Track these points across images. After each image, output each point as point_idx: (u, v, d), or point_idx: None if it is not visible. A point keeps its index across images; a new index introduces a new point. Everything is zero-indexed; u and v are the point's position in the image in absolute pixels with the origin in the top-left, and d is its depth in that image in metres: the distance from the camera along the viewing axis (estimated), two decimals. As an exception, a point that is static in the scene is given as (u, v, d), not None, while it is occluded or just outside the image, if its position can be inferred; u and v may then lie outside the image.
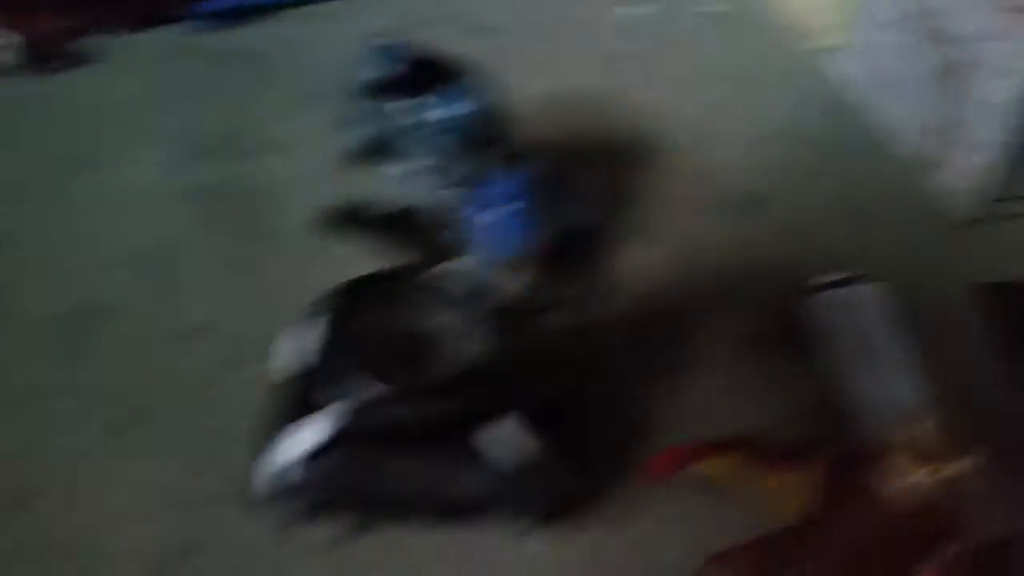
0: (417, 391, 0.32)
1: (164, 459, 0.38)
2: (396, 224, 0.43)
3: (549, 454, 0.34)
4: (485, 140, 0.48)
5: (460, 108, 0.47)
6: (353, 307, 0.35)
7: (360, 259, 0.44)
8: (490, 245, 0.37)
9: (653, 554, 0.36)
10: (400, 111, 0.51)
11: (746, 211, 0.69)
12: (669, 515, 0.38)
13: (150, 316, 0.44)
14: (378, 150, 0.53)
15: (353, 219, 0.38)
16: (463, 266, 0.39)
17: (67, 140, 0.43)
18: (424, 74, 0.58)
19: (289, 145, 0.53)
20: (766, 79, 1.07)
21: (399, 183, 0.49)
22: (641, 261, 0.66)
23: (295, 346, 0.38)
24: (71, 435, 0.36)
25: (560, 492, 0.35)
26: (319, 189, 0.51)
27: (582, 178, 0.42)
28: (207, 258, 0.47)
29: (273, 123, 0.49)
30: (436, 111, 0.47)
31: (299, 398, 0.36)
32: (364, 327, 0.34)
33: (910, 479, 0.46)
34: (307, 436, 0.33)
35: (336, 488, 0.33)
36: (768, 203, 0.75)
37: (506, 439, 0.34)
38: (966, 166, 1.01)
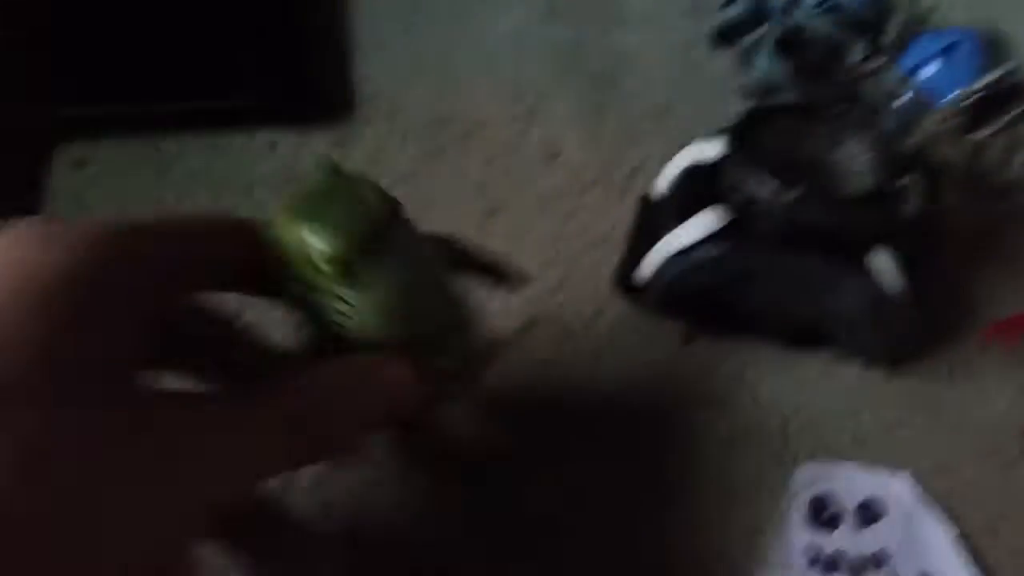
0: (816, 199, 0.31)
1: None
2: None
3: (912, 296, 0.33)
4: (873, 20, 0.45)
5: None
6: (756, 127, 0.35)
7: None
8: (918, 97, 0.35)
9: (983, 410, 0.34)
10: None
11: None
12: (1006, 379, 0.35)
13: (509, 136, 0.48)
14: (745, 31, 0.52)
15: (798, 45, 0.37)
16: (885, 109, 0.37)
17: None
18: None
19: (648, 18, 0.54)
20: None
21: (767, 67, 0.48)
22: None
23: (689, 158, 0.39)
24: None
25: (909, 337, 0.34)
26: (674, 63, 0.52)
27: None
28: (558, 103, 0.50)
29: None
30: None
31: (688, 203, 0.37)
32: (767, 148, 0.34)
33: None
34: (692, 230, 0.34)
35: (704, 284, 0.34)
36: None
37: (884, 270, 0.33)
38: None
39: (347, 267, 0.22)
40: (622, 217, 0.46)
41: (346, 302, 0.23)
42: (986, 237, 0.46)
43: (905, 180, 0.36)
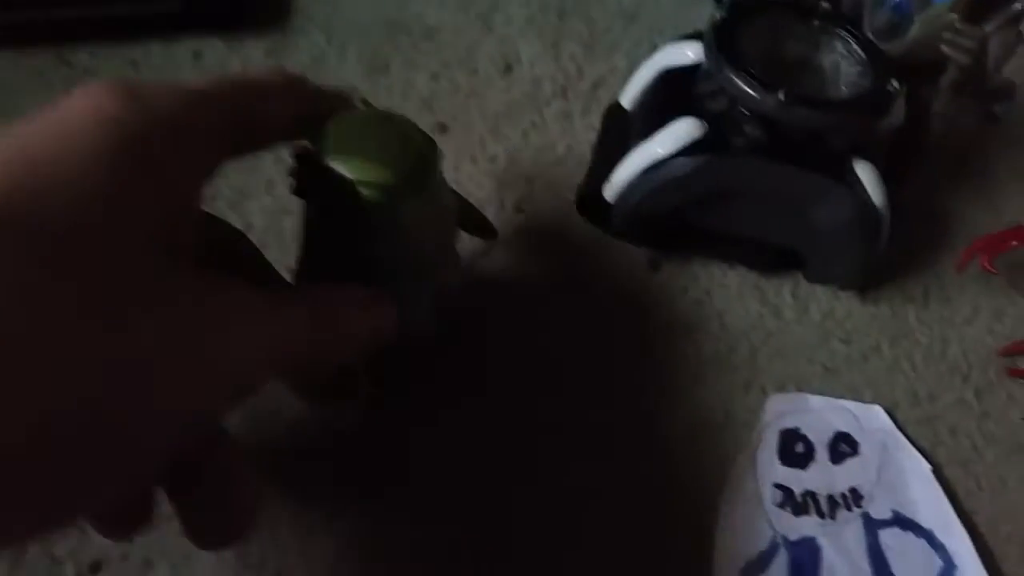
0: (802, 102, 0.28)
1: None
2: None
3: (889, 210, 0.31)
4: None
5: None
6: (737, 28, 0.31)
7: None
8: None
9: (958, 334, 0.33)
10: None
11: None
12: (982, 302, 0.34)
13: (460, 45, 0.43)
14: None
15: None
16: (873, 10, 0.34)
17: None
18: None
19: None
20: None
21: None
22: None
23: (662, 63, 0.36)
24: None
25: (878, 254, 0.32)
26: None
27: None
28: (514, 7, 0.45)
29: None
30: None
31: (661, 112, 0.33)
32: (748, 50, 0.31)
33: None
34: (666, 142, 0.31)
35: (676, 203, 0.32)
36: None
37: (868, 180, 0.31)
38: None
39: (392, 198, 0.23)
40: (585, 133, 0.42)
41: (379, 230, 0.24)
42: (967, 164, 0.44)
43: (894, 84, 0.33)
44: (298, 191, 0.25)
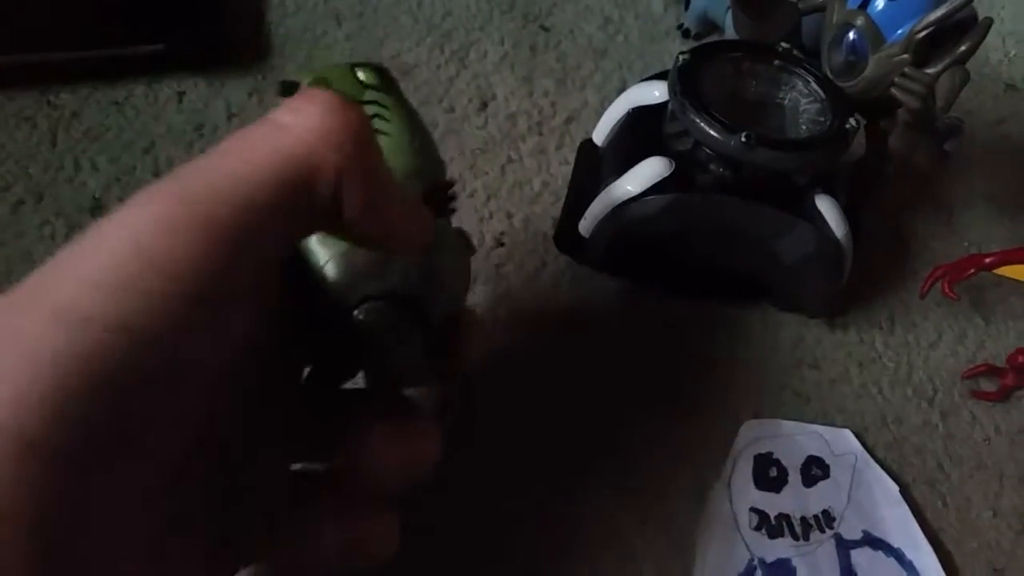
0: (763, 143, 0.29)
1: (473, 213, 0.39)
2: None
3: (851, 241, 0.32)
4: None
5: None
6: (700, 69, 0.32)
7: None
8: (868, 32, 0.33)
9: (922, 359, 0.34)
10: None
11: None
12: (945, 326, 0.35)
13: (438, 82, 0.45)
14: None
15: None
16: (833, 49, 0.35)
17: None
18: None
19: None
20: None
21: None
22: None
23: (630, 102, 0.37)
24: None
25: (842, 284, 0.33)
26: (608, 0, 0.50)
27: None
28: (488, 45, 0.47)
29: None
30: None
31: (631, 150, 0.35)
32: (710, 91, 0.32)
33: None
34: (637, 180, 0.32)
35: (648, 237, 0.33)
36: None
37: (830, 214, 0.32)
38: None
39: (389, 80, 0.25)
40: (559, 168, 0.44)
41: (384, 119, 0.24)
42: (927, 192, 0.46)
43: (852, 122, 0.35)
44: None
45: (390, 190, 0.21)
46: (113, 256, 0.16)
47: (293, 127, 0.18)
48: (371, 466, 0.24)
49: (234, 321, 0.19)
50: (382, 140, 0.25)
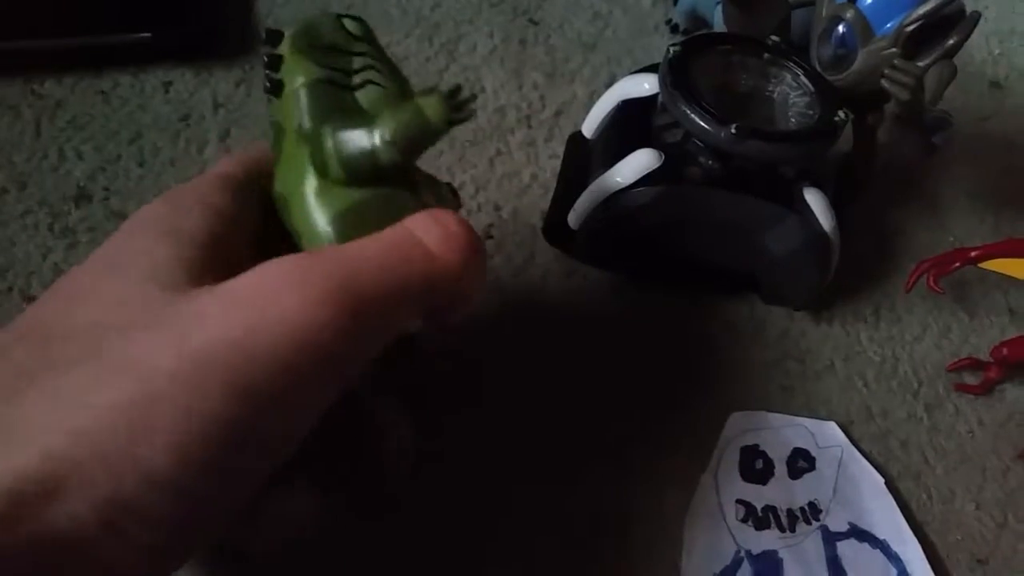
0: (753, 135, 0.30)
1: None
2: None
3: (838, 234, 0.32)
4: None
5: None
6: (690, 62, 0.32)
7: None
8: (857, 25, 0.33)
9: (907, 352, 0.34)
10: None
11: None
12: (930, 319, 0.36)
13: (427, 74, 0.45)
14: None
15: None
16: (822, 41, 0.35)
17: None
18: None
19: None
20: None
21: None
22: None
23: (620, 94, 0.37)
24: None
25: (829, 276, 0.33)
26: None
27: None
28: (478, 37, 0.47)
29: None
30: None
31: (621, 142, 0.35)
32: (700, 83, 0.32)
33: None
34: (626, 172, 0.32)
35: (637, 229, 0.33)
36: None
37: (818, 207, 0.32)
38: None
39: (371, 30, 0.25)
40: (548, 161, 0.43)
41: (377, 70, 0.24)
42: (913, 186, 0.46)
43: (840, 115, 0.35)
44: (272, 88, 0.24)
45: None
46: (280, 336, 0.18)
47: (440, 259, 0.21)
48: None
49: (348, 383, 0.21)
50: (379, 91, 0.24)
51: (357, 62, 0.25)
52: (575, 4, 0.50)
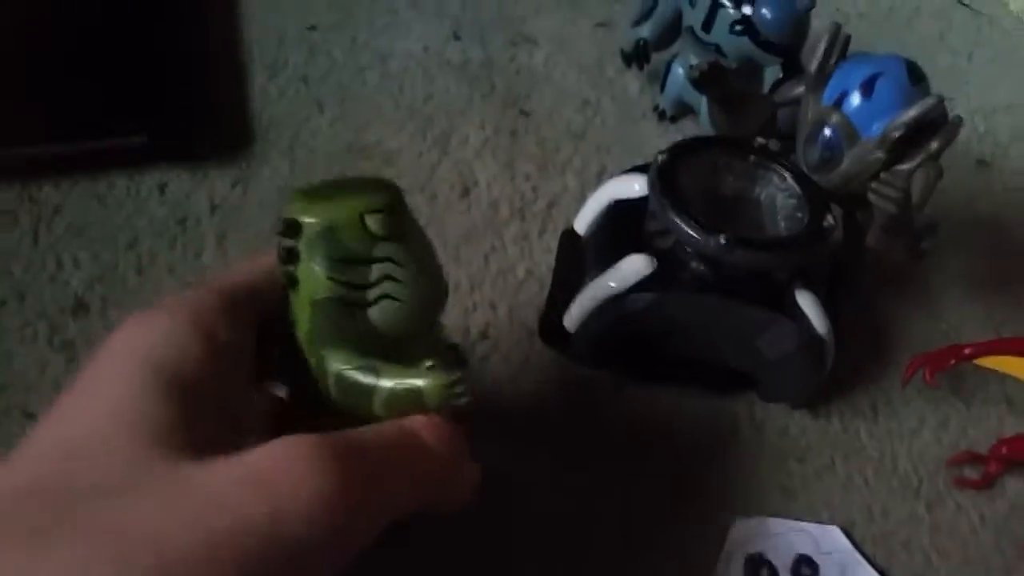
0: (743, 243, 0.30)
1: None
2: (743, 90, 0.40)
3: (833, 335, 0.32)
4: (786, 47, 0.43)
5: (767, 11, 0.43)
6: (678, 167, 0.33)
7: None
8: (843, 129, 0.33)
9: (906, 447, 0.34)
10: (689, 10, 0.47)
11: None
12: (927, 414, 0.36)
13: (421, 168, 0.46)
14: (655, 48, 0.50)
15: (718, 78, 0.35)
16: (810, 144, 0.36)
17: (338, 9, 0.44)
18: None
19: (556, 35, 0.52)
20: None
21: (680, 85, 0.46)
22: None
23: (610, 195, 0.37)
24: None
25: (824, 376, 0.33)
26: (585, 83, 0.51)
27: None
28: (470, 129, 0.48)
29: (535, 18, 0.48)
30: (737, 10, 0.42)
31: (613, 244, 0.35)
32: (689, 189, 0.32)
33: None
34: (620, 278, 0.33)
35: (632, 332, 0.33)
36: None
37: (811, 310, 0.32)
38: None
39: (398, 219, 0.24)
40: (542, 255, 0.44)
41: (396, 263, 0.24)
42: (903, 275, 0.47)
43: (829, 218, 0.35)
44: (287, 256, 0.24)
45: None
46: (303, 522, 0.19)
47: (434, 451, 0.23)
48: None
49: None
50: (394, 306, 0.24)
51: (375, 272, 0.24)
52: (563, 93, 0.51)
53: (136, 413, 0.21)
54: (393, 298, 0.24)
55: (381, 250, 0.24)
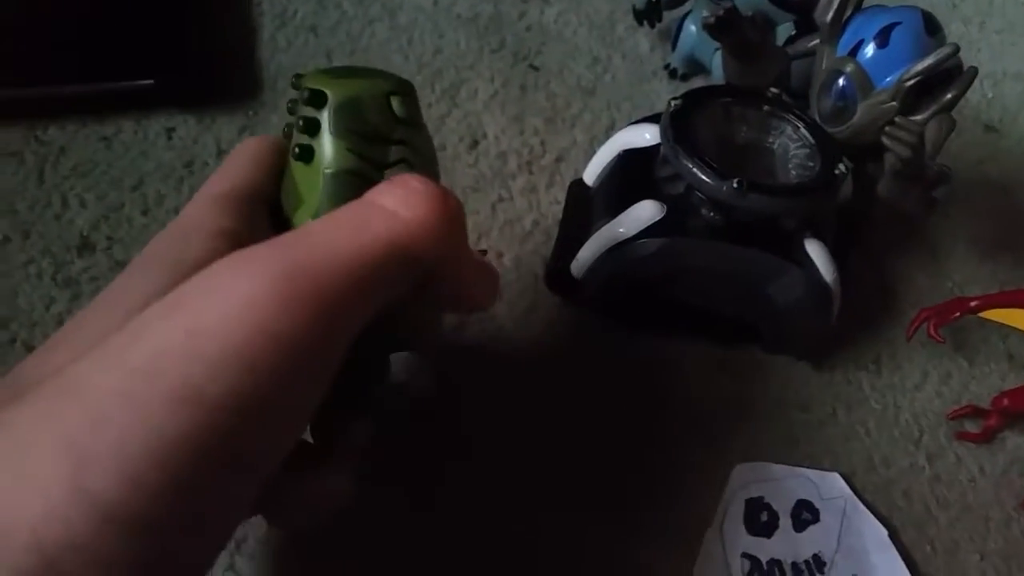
0: (755, 189, 0.30)
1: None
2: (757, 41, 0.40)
3: (840, 285, 0.32)
4: (800, 3, 0.42)
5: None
6: (691, 115, 0.33)
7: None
8: (857, 79, 0.33)
9: (909, 400, 0.35)
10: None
11: None
12: (931, 367, 0.36)
13: (435, 118, 0.45)
14: (666, 6, 0.50)
15: (734, 25, 0.35)
16: (822, 93, 0.36)
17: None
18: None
19: None
20: None
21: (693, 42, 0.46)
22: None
23: (621, 144, 0.37)
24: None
25: (830, 325, 0.33)
26: (596, 40, 0.50)
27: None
28: (479, 82, 0.47)
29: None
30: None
31: (623, 192, 0.35)
32: (701, 136, 0.32)
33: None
34: (629, 224, 0.33)
35: (640, 280, 0.33)
36: None
37: (820, 259, 0.32)
38: None
39: (417, 107, 0.24)
40: (550, 207, 0.44)
41: (412, 148, 0.23)
42: (911, 234, 0.47)
43: (840, 167, 0.35)
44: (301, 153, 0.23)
45: (474, 265, 0.23)
46: (226, 331, 0.16)
47: (401, 215, 0.20)
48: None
49: (324, 382, 0.19)
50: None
51: (393, 154, 0.24)
52: (574, 49, 0.51)
53: (126, 292, 0.22)
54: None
55: (400, 133, 0.24)
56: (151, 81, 0.43)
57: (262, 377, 0.16)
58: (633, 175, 0.37)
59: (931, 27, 0.35)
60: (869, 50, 0.35)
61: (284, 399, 0.17)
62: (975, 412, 0.38)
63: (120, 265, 0.38)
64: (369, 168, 0.23)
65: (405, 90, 0.24)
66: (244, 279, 0.17)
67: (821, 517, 0.34)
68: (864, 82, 0.35)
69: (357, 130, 0.23)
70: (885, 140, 0.33)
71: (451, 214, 0.21)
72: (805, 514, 0.34)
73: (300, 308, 0.17)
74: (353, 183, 0.23)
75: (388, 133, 0.23)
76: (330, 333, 0.18)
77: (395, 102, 0.23)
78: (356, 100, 0.23)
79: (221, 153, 0.42)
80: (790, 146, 0.36)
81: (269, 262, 0.17)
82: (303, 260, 0.18)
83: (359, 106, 0.23)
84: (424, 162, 0.25)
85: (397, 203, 0.20)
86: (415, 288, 0.21)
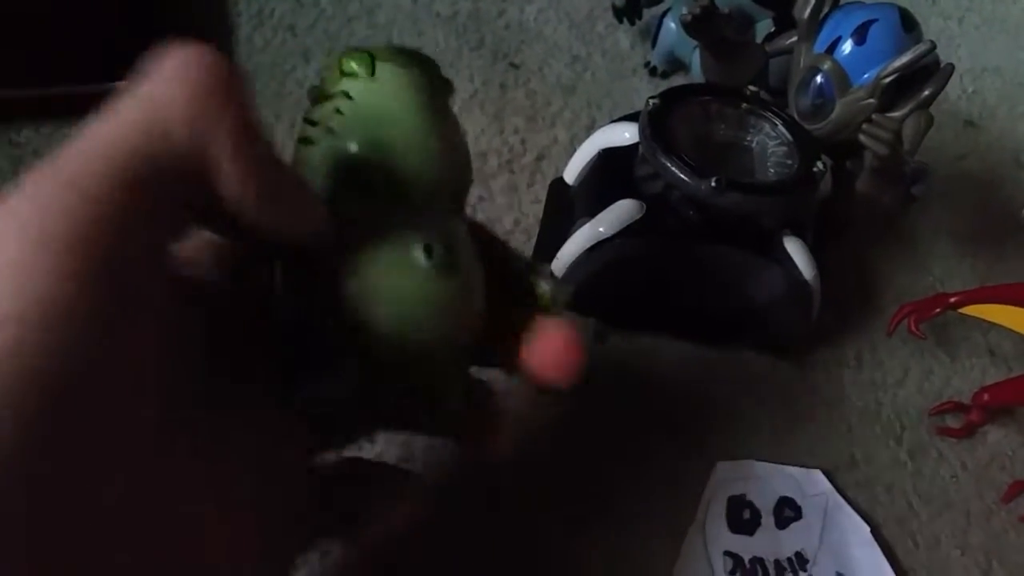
0: (733, 188, 0.30)
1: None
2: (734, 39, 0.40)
3: (819, 282, 0.32)
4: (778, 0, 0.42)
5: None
6: (669, 113, 0.33)
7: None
8: (834, 76, 0.33)
9: (890, 396, 0.35)
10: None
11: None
12: (912, 363, 0.36)
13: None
14: (646, 4, 0.50)
15: (712, 21, 0.34)
16: (800, 91, 0.36)
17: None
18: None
19: None
20: None
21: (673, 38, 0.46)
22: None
23: (601, 142, 0.37)
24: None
25: (811, 324, 0.33)
26: (576, 38, 0.50)
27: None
28: (459, 81, 0.47)
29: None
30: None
31: (603, 191, 0.35)
32: (680, 135, 0.32)
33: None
34: (608, 223, 0.33)
35: (620, 279, 0.33)
36: None
37: (798, 256, 0.32)
38: None
39: (384, 67, 0.20)
40: (531, 206, 0.44)
41: (349, 95, 0.20)
42: (890, 223, 0.47)
43: (819, 164, 0.35)
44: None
45: (259, 160, 0.18)
46: (4, 250, 0.15)
47: (152, 92, 0.18)
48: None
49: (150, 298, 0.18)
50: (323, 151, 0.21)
51: (326, 109, 0.21)
52: (554, 47, 0.51)
53: None
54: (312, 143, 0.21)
55: (343, 86, 0.20)
56: (126, 82, 0.43)
57: (52, 286, 0.15)
58: (613, 174, 0.37)
59: (908, 24, 0.35)
60: (847, 47, 0.35)
61: (89, 305, 0.16)
62: (956, 408, 0.38)
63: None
64: (308, 128, 0.21)
65: (397, 61, 0.21)
66: (19, 196, 0.16)
67: (803, 514, 0.34)
68: (842, 79, 0.35)
69: (313, 97, 0.21)
70: (863, 138, 0.33)
71: (208, 79, 0.17)
72: (787, 511, 0.34)
73: (73, 212, 0.16)
74: (304, 152, 0.21)
75: (329, 88, 0.20)
76: (115, 230, 0.16)
77: (346, 59, 0.20)
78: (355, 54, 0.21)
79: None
80: (768, 144, 0.36)
81: (41, 174, 0.17)
82: (69, 167, 0.17)
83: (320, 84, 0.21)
84: (368, 114, 0.20)
85: (151, 83, 0.18)
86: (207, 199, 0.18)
